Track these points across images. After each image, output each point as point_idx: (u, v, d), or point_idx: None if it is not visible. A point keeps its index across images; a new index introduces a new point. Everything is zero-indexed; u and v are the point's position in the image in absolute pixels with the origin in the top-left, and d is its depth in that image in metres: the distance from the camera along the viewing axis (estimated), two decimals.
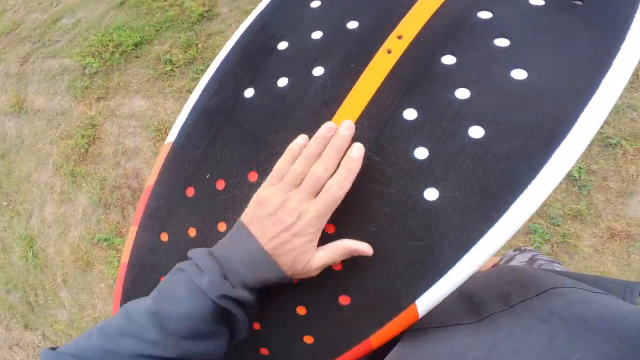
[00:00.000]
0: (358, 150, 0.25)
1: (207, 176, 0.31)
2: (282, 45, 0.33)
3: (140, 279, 0.33)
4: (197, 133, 0.33)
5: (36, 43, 1.85)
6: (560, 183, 0.95)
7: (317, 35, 0.32)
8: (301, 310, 0.28)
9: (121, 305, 0.33)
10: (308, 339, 0.28)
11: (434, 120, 0.26)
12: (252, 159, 0.30)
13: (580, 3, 0.27)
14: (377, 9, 0.31)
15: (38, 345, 1.49)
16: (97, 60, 1.53)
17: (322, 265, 0.25)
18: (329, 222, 0.26)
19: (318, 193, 0.24)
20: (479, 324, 0.25)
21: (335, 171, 0.25)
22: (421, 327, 0.27)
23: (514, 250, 0.63)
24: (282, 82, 0.31)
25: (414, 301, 0.25)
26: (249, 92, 0.32)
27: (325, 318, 0.28)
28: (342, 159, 0.25)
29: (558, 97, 0.24)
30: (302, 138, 0.26)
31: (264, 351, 0.29)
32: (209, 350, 0.24)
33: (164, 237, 0.32)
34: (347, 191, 0.25)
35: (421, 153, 0.26)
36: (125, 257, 0.34)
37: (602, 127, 1.06)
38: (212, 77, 0.35)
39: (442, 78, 0.27)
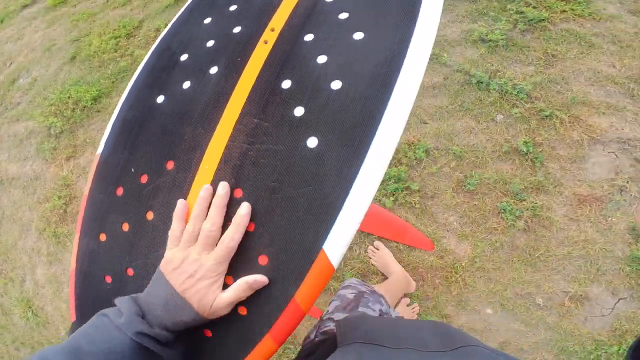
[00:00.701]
0: (245, 208, 0.30)
1: (132, 169, 0.37)
2: (184, 57, 0.40)
3: (88, 282, 0.37)
4: (119, 141, 0.39)
5: None
6: (513, 159, 1.02)
7: (210, 43, 0.39)
8: (229, 280, 0.30)
9: (76, 311, 0.37)
10: (242, 310, 0.30)
11: (305, 83, 0.33)
12: (168, 151, 0.36)
13: None
14: (255, 12, 0.39)
15: None
16: (59, 119, 1.57)
17: (230, 303, 0.29)
18: (236, 188, 0.31)
19: (212, 245, 0.29)
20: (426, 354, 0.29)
21: (221, 223, 0.30)
22: (376, 343, 0.30)
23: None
24: (186, 84, 0.38)
25: (321, 247, 0.27)
26: (160, 99, 0.39)
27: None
28: (222, 214, 0.30)
29: (387, 49, 0.32)
30: (181, 203, 0.32)
31: (208, 333, 0.31)
32: None
33: (102, 237, 0.37)
34: (238, 241, 0.29)
35: (299, 111, 0.32)
36: (72, 264, 0.38)
37: (532, 102, 1.16)
38: (128, 93, 0.42)
39: (305, 51, 0.34)
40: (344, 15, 0.35)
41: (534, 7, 1.31)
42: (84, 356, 0.24)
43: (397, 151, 1.21)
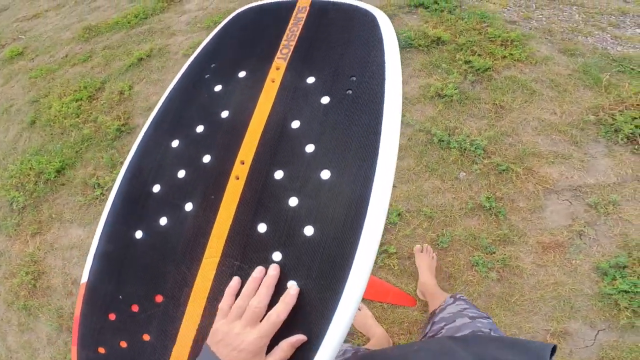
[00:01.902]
0: (295, 289, 0.33)
1: (120, 297, 0.39)
2: (156, 188, 0.41)
3: None
4: (104, 273, 0.41)
5: None
6: (478, 215, 1.06)
7: (181, 174, 0.41)
8: None
9: None
10: None
11: (279, 228, 0.34)
12: (155, 286, 0.38)
13: (350, 92, 0.37)
14: (223, 140, 0.40)
15: None
16: (21, 193, 1.49)
17: None
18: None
19: (256, 321, 0.32)
20: None
21: (268, 302, 0.33)
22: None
23: (450, 297, 0.73)
24: (163, 221, 0.40)
25: None
26: (138, 234, 0.40)
27: None
28: (270, 293, 0.33)
29: (354, 191, 0.33)
30: (235, 280, 0.35)
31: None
32: None
33: (102, 350, 0.39)
34: (284, 319, 0.32)
35: (277, 256, 0.34)
36: None
37: (489, 157, 1.23)
38: (105, 224, 0.43)
39: (277, 192, 0.36)
40: (310, 148, 0.37)
41: (479, 55, 1.42)
42: None
43: None
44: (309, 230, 0.34)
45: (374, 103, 0.36)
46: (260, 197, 0.36)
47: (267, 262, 0.35)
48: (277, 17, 0.45)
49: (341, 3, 0.43)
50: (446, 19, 1.52)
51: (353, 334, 1.17)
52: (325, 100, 0.38)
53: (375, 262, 1.18)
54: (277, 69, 0.42)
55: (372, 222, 0.32)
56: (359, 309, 1.20)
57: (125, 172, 0.45)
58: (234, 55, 0.45)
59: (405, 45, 1.45)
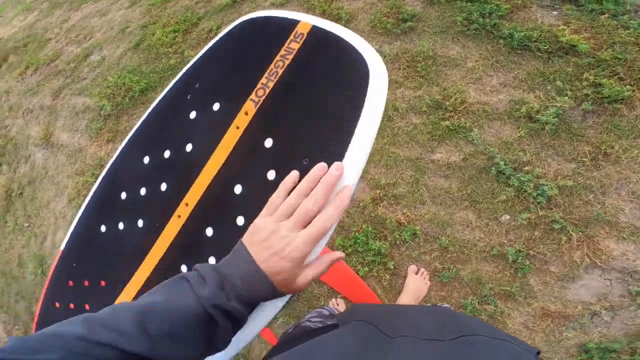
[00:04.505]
0: (348, 191, 0.47)
1: (74, 265, 0.89)
2: (123, 196, 0.83)
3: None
4: (73, 250, 0.91)
5: (68, 78, 3.36)
6: (497, 264, 1.66)
7: (143, 191, 0.78)
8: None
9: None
10: None
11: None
12: (103, 273, 0.82)
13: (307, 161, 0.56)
14: (179, 174, 0.73)
15: None
16: (110, 103, 2.82)
17: (309, 281, 0.47)
18: None
19: (305, 223, 0.46)
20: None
21: (324, 204, 0.47)
22: (375, 325, 0.52)
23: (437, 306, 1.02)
24: (121, 225, 0.80)
25: None
26: (102, 228, 0.85)
27: None
28: (329, 195, 0.49)
29: None
30: (293, 175, 0.51)
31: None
32: (179, 356, 0.41)
33: (57, 304, 0.90)
34: (335, 223, 0.46)
35: None
36: (35, 318, 0.94)
37: (549, 209, 1.64)
38: (84, 210, 0.92)
39: (203, 246, 0.66)
40: (240, 221, 0.61)
41: (620, 79, 1.66)
42: (152, 317, 0.42)
43: (384, 226, 1.81)
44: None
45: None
46: (189, 244, 0.68)
47: None
48: (274, 37, 0.68)
49: (344, 42, 0.60)
50: (600, 25, 1.82)
51: None
52: (271, 175, 0.60)
53: (370, 270, 1.77)
54: (246, 114, 0.66)
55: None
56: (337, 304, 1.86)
57: (106, 172, 0.89)
58: (217, 78, 0.74)
59: (519, 46, 1.88)
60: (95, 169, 2.67)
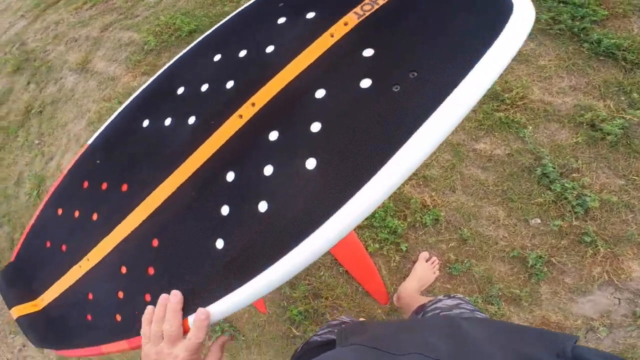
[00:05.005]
0: (202, 315, 0.65)
1: (97, 162, 0.89)
2: (180, 91, 0.83)
3: (34, 241, 0.98)
4: (101, 147, 0.91)
5: (121, 15, 3.67)
6: (513, 266, 1.73)
7: (204, 88, 0.79)
8: (120, 294, 0.77)
9: (16, 255, 1.00)
10: (118, 317, 0.77)
11: (241, 189, 0.67)
12: (129, 175, 0.81)
13: (397, 89, 0.58)
14: (251, 74, 0.74)
15: None
16: (156, 39, 3.07)
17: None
18: (155, 237, 0.75)
19: (178, 339, 0.64)
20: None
21: (180, 323, 0.65)
22: (379, 348, 0.56)
23: (444, 296, 1.07)
24: (168, 121, 0.80)
25: (187, 317, 0.67)
26: (145, 123, 0.85)
27: (129, 305, 0.77)
28: (177, 315, 0.66)
29: (327, 198, 0.59)
30: (149, 309, 0.68)
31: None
32: None
33: (59, 211, 0.91)
34: (202, 339, 0.64)
35: (225, 210, 0.68)
36: (30, 222, 0.99)
37: (584, 221, 1.68)
38: (131, 101, 0.92)
39: (261, 153, 0.66)
40: (316, 127, 0.63)
41: None
42: None
43: (407, 205, 1.91)
44: (262, 206, 0.64)
45: (409, 119, 0.57)
46: (244, 151, 0.68)
47: (210, 214, 0.69)
48: None
49: None
50: None
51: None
52: (365, 84, 0.62)
53: (381, 247, 1.88)
54: (345, 24, 0.67)
55: (321, 238, 0.58)
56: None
57: (165, 68, 0.90)
58: None
59: (604, 52, 1.92)
60: (124, 97, 2.90)
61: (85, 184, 0.92)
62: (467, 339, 0.56)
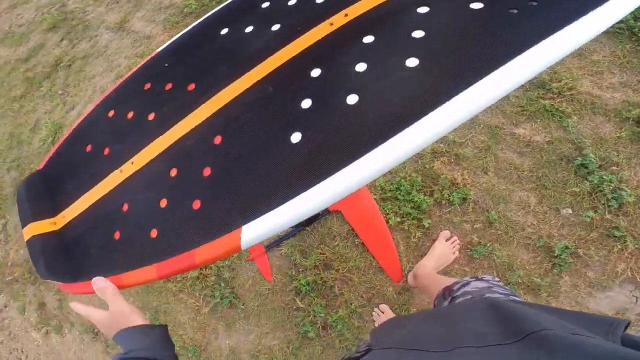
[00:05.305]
0: (99, 282, 0.77)
1: (165, 64, 0.95)
2: (265, 4, 0.90)
3: (73, 143, 0.98)
4: (166, 55, 0.98)
5: None
6: (537, 254, 1.80)
7: (292, 2, 0.86)
8: (163, 203, 0.75)
9: (47, 163, 1.00)
10: (153, 232, 0.73)
11: (327, 85, 0.70)
12: (197, 76, 0.86)
13: (516, 12, 0.60)
14: None
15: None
16: (197, 2, 3.25)
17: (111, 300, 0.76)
18: (217, 135, 0.76)
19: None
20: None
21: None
22: (418, 349, 0.54)
23: (471, 277, 1.05)
24: (249, 28, 0.87)
25: (242, 225, 0.63)
26: (224, 30, 0.92)
27: (173, 215, 0.73)
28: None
29: (423, 97, 0.60)
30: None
31: (116, 235, 0.80)
32: None
33: (111, 114, 0.94)
34: (107, 297, 0.75)
35: (306, 103, 0.71)
36: (75, 123, 1.02)
37: (617, 215, 1.73)
38: (205, 17, 1.02)
39: (353, 54, 0.70)
40: (418, 34, 0.66)
41: None
42: None
43: (435, 181, 1.99)
44: (352, 99, 0.65)
45: (529, 36, 0.58)
46: (335, 51, 0.72)
47: (290, 107, 0.71)
48: None
49: None
50: None
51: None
52: (476, 4, 0.65)
53: (402, 222, 1.96)
54: None
55: (413, 137, 0.58)
56: (382, 312, 1.98)
57: None
58: None
59: None
60: None
61: (147, 86, 0.94)
62: (520, 316, 0.54)
